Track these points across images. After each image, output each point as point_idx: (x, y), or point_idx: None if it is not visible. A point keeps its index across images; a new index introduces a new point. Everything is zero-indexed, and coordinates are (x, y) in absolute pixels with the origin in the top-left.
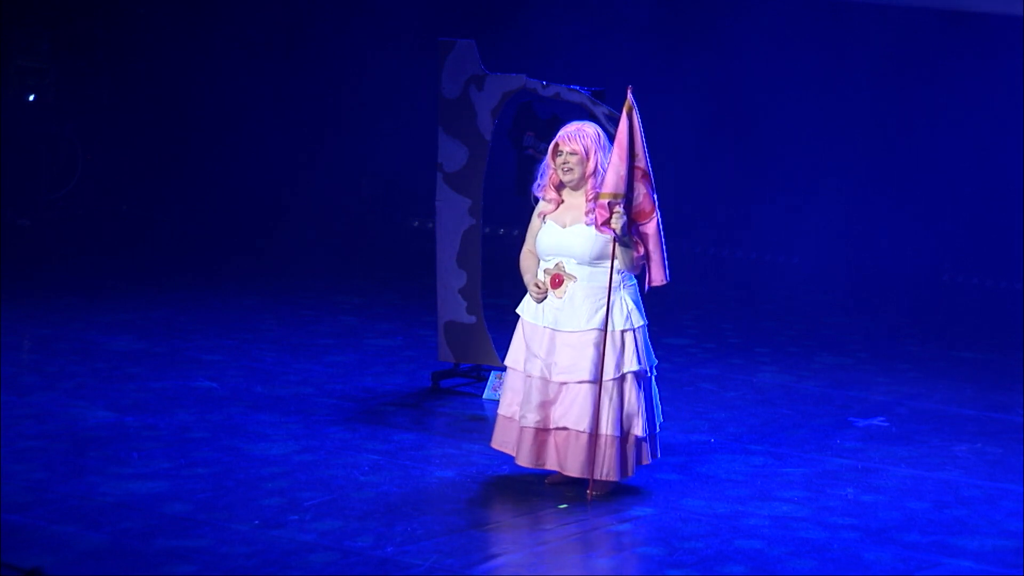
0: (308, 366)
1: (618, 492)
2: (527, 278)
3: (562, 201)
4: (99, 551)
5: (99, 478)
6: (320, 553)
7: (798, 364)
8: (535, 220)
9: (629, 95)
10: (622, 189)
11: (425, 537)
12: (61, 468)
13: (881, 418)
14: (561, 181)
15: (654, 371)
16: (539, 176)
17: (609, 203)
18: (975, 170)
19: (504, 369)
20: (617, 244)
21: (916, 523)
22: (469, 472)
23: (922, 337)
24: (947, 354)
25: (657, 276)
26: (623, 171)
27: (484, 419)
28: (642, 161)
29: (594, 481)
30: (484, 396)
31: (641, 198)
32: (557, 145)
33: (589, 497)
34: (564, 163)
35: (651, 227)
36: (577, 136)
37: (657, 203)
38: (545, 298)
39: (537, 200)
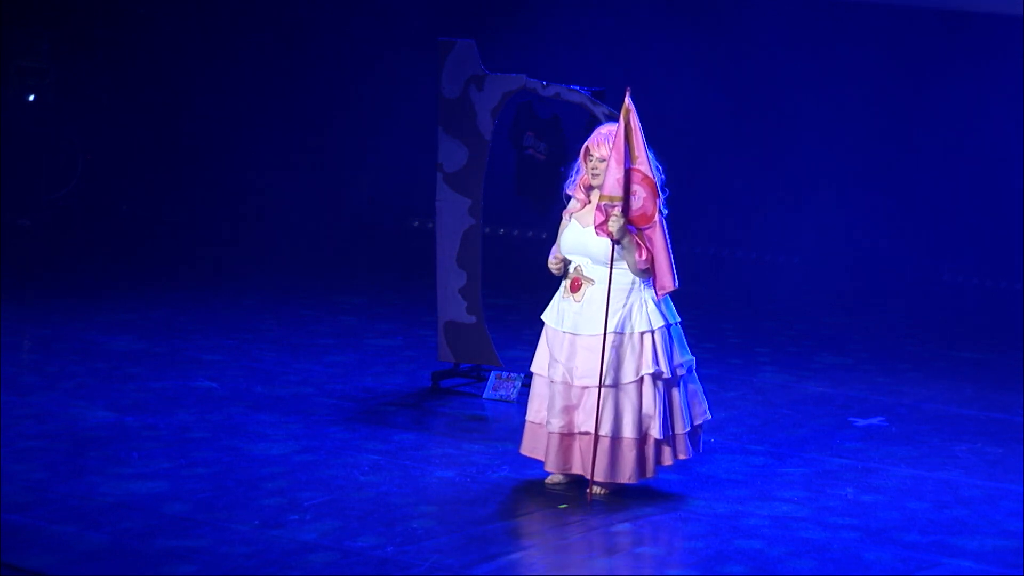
0: (308, 366)
1: (618, 492)
2: (550, 260)
3: (589, 202)
4: (99, 551)
5: (99, 478)
6: (320, 553)
7: (798, 364)
8: (564, 219)
9: (627, 97)
10: (619, 192)
11: (425, 537)
12: (61, 468)
13: (881, 418)
14: (591, 184)
15: (685, 368)
16: (572, 174)
17: (605, 206)
18: (975, 170)
19: (503, 369)
20: (616, 247)
21: (916, 523)
22: (469, 472)
23: (922, 337)
24: (947, 354)
25: (665, 281)
26: (619, 174)
27: (484, 419)
28: (643, 164)
29: (594, 482)
30: (484, 396)
31: (642, 202)
32: (588, 149)
33: (589, 497)
34: (594, 168)
35: (654, 232)
36: (607, 141)
37: (662, 208)
38: (563, 271)
39: (569, 198)
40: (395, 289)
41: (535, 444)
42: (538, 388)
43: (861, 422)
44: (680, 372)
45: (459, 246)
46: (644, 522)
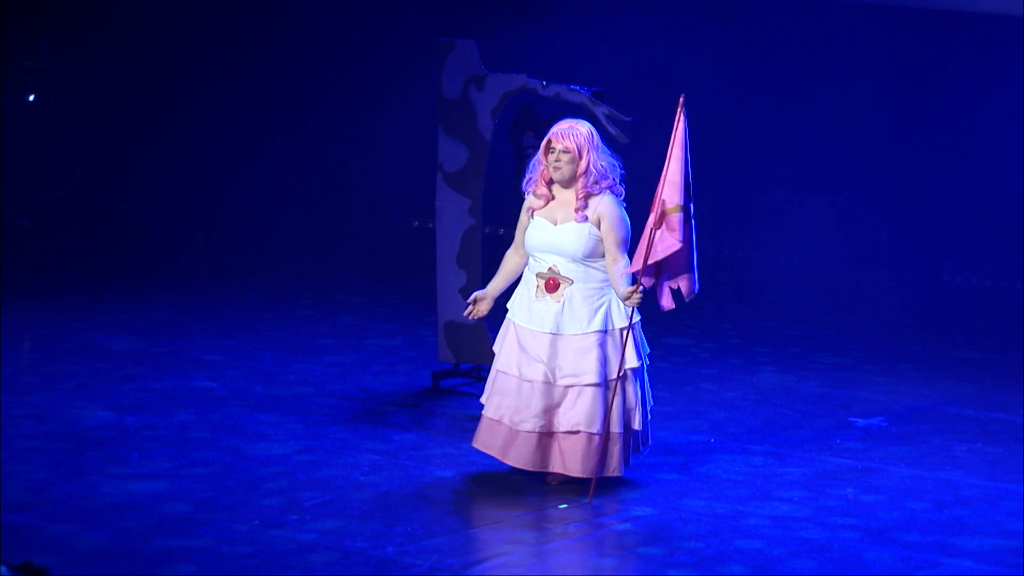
0: (308, 366)
1: (618, 492)
2: (487, 290)
3: (552, 197)
4: (99, 551)
5: (99, 478)
6: (320, 553)
7: (798, 364)
8: (523, 216)
9: (680, 108)
10: (680, 201)
11: (425, 537)
12: (61, 468)
13: (881, 418)
14: (551, 178)
15: (646, 360)
16: (529, 171)
17: (668, 215)
18: (975, 170)
19: None
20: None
21: (916, 523)
22: (469, 472)
23: (922, 337)
24: (947, 354)
25: (668, 298)
26: (679, 179)
27: None
28: (676, 175)
29: (595, 481)
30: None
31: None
32: (549, 142)
33: (590, 497)
34: (556, 160)
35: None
36: (570, 134)
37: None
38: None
39: (525, 196)
40: (395, 289)
41: (490, 440)
42: (502, 386)
43: (861, 422)
44: (647, 363)
45: (459, 246)
46: (644, 522)
